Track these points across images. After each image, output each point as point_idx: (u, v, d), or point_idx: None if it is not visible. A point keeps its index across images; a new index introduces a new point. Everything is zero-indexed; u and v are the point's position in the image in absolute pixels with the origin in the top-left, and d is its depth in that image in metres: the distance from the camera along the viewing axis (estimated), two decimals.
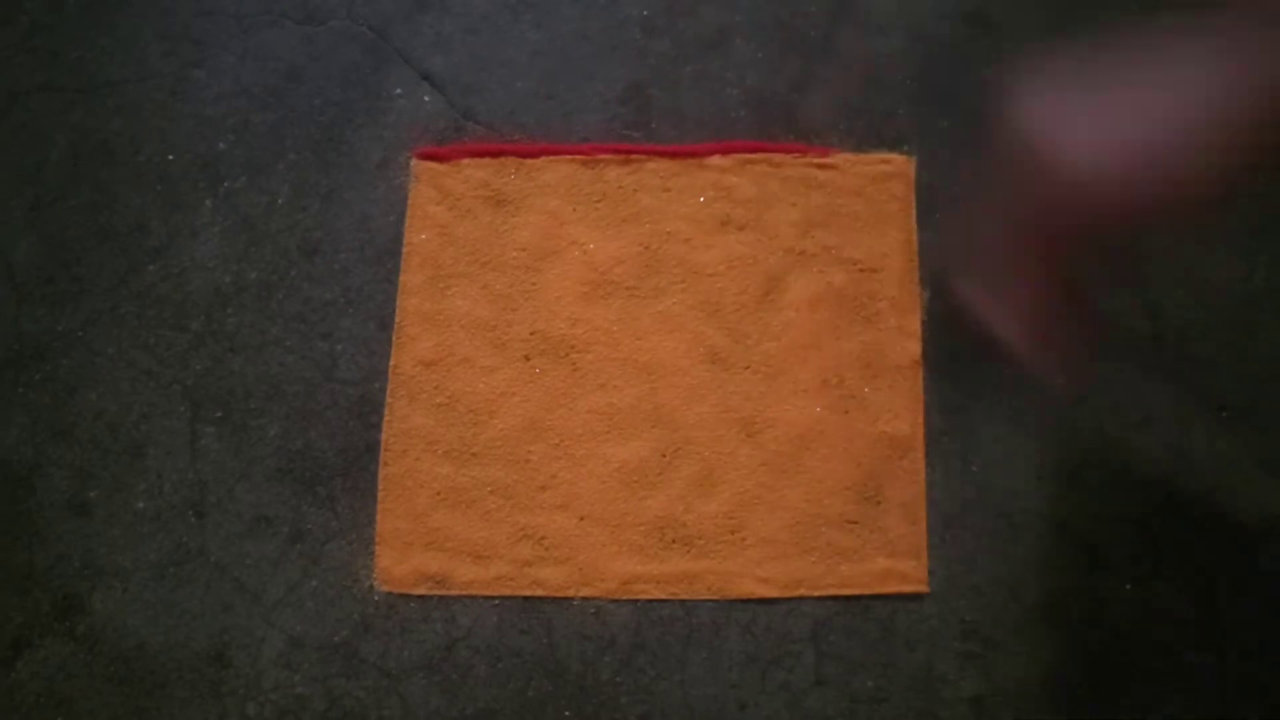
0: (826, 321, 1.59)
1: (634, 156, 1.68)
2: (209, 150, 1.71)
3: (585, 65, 1.74)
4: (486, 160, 1.68)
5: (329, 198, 1.68)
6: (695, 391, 1.57)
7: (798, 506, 1.52)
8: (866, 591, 1.49)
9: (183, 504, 1.55)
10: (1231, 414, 1.53)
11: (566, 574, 1.50)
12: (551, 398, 1.57)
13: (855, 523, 1.51)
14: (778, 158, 1.67)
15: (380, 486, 1.54)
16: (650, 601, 1.49)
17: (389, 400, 1.58)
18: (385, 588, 1.51)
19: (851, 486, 1.53)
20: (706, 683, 1.46)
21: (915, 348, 1.58)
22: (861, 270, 1.61)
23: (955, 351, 1.58)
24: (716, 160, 1.67)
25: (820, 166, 1.66)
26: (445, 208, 1.66)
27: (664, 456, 1.54)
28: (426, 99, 1.73)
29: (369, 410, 1.58)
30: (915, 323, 1.59)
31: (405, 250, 1.64)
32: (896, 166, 1.66)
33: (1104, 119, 0.94)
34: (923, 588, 1.48)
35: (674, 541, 1.51)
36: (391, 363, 1.59)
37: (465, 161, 1.68)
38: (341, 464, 1.56)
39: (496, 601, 1.50)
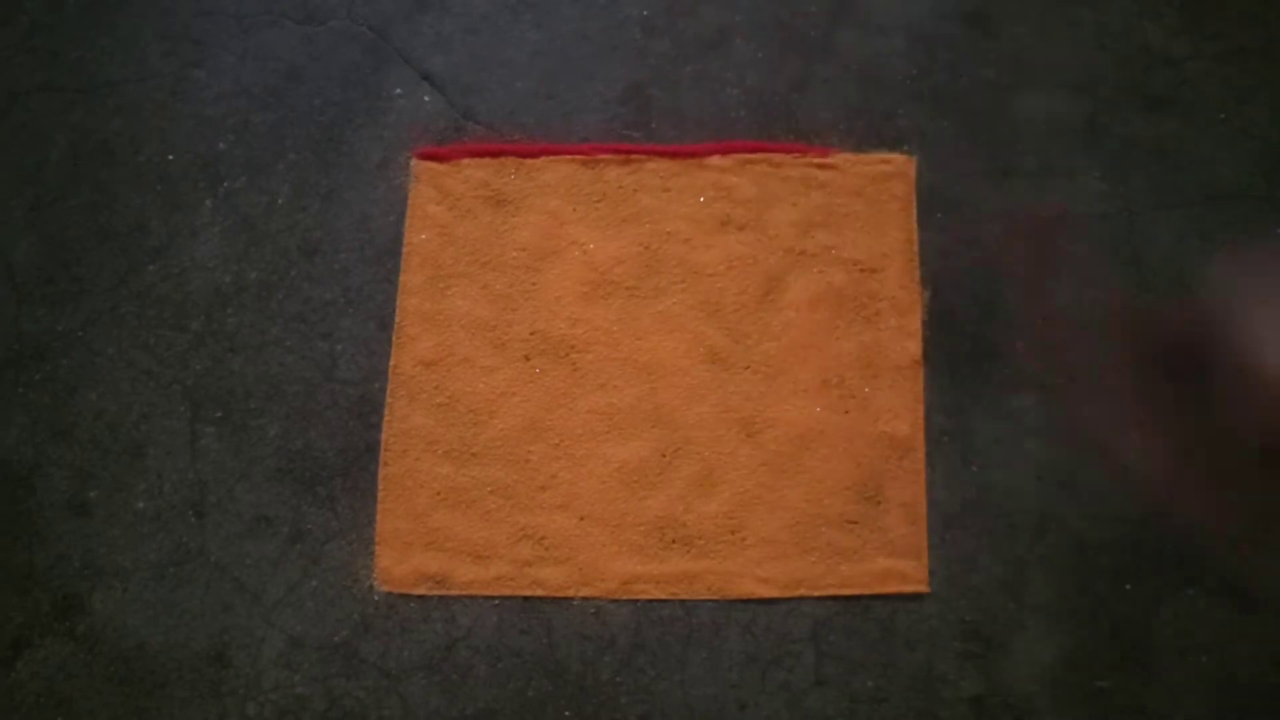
0: (826, 321, 1.59)
1: (634, 156, 1.68)
2: (209, 150, 1.71)
3: (585, 65, 1.74)
4: (486, 160, 1.68)
5: (329, 198, 1.68)
6: (695, 391, 1.57)
7: (798, 506, 1.52)
8: (866, 591, 1.49)
9: (183, 504, 1.55)
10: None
11: (566, 574, 1.50)
12: (551, 398, 1.57)
13: (855, 523, 1.51)
14: (778, 158, 1.67)
15: (380, 486, 1.54)
16: (650, 601, 1.49)
17: (389, 400, 1.58)
18: (385, 588, 1.51)
19: (851, 486, 1.53)
20: (706, 683, 1.46)
21: (915, 348, 1.58)
22: (861, 270, 1.61)
23: (955, 351, 1.58)
24: (716, 160, 1.67)
25: (820, 166, 1.66)
26: (445, 208, 1.66)
27: (664, 456, 1.54)
28: (426, 99, 1.73)
29: (369, 410, 1.58)
30: (915, 323, 1.59)
31: (405, 250, 1.64)
32: (896, 166, 1.66)
33: None
34: (923, 588, 1.48)
35: (674, 541, 1.51)
36: (391, 363, 1.59)
37: (465, 161, 1.68)
38: (341, 464, 1.56)
39: (496, 601, 1.50)
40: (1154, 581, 1.47)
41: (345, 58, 1.75)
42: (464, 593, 1.50)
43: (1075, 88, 1.69)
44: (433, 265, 1.63)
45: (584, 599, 1.50)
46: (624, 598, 1.49)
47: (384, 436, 1.56)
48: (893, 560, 1.49)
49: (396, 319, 1.61)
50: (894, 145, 1.67)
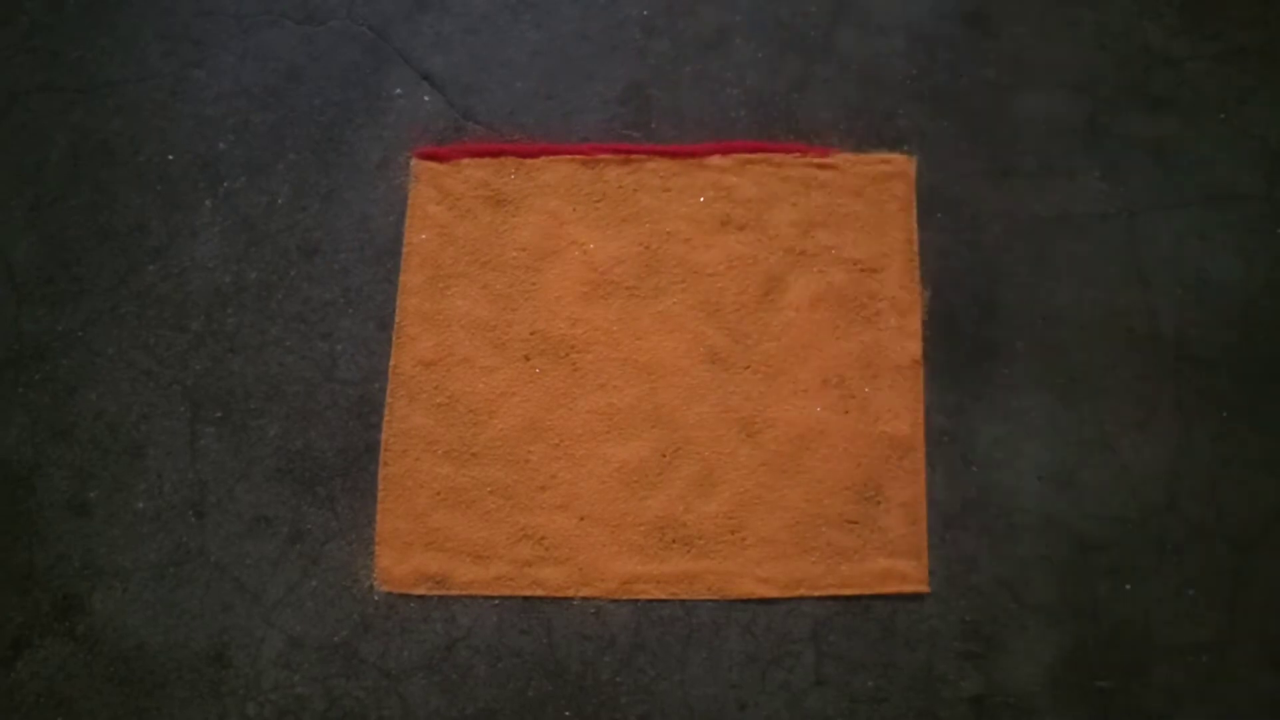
0: (826, 321, 1.59)
1: (634, 156, 1.68)
2: (209, 150, 1.71)
3: (585, 65, 1.74)
4: (486, 160, 1.68)
5: (329, 198, 1.68)
6: (695, 391, 1.57)
7: (798, 506, 1.52)
8: (866, 591, 1.49)
9: (183, 504, 1.55)
10: (1231, 414, 1.53)
11: (566, 574, 1.50)
12: (551, 398, 1.57)
13: (855, 523, 1.51)
14: (778, 158, 1.67)
15: (380, 486, 1.54)
16: (650, 601, 1.49)
17: (389, 400, 1.58)
18: (385, 588, 1.51)
19: (851, 486, 1.53)
20: (706, 683, 1.46)
21: (915, 348, 1.58)
22: (861, 270, 1.61)
23: (955, 351, 1.58)
24: (716, 160, 1.67)
25: (820, 166, 1.66)
26: (445, 208, 1.66)
27: (664, 456, 1.54)
28: (426, 99, 1.73)
29: (369, 410, 1.58)
30: (915, 323, 1.59)
31: (405, 250, 1.64)
32: (896, 166, 1.66)
33: None
34: (923, 588, 1.48)
35: (674, 541, 1.51)
36: (391, 363, 1.59)
37: (465, 161, 1.68)
38: (341, 464, 1.56)
39: (496, 601, 1.50)
40: (1154, 581, 1.47)
41: (345, 58, 1.75)
42: (464, 593, 1.50)
43: (1075, 88, 1.69)
44: (433, 265, 1.63)
45: (584, 599, 1.50)
46: (624, 598, 1.49)
47: (384, 436, 1.56)
48: (893, 560, 1.49)
49: (396, 319, 1.61)
50: (894, 145, 1.67)
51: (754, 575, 1.49)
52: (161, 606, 1.51)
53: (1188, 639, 1.45)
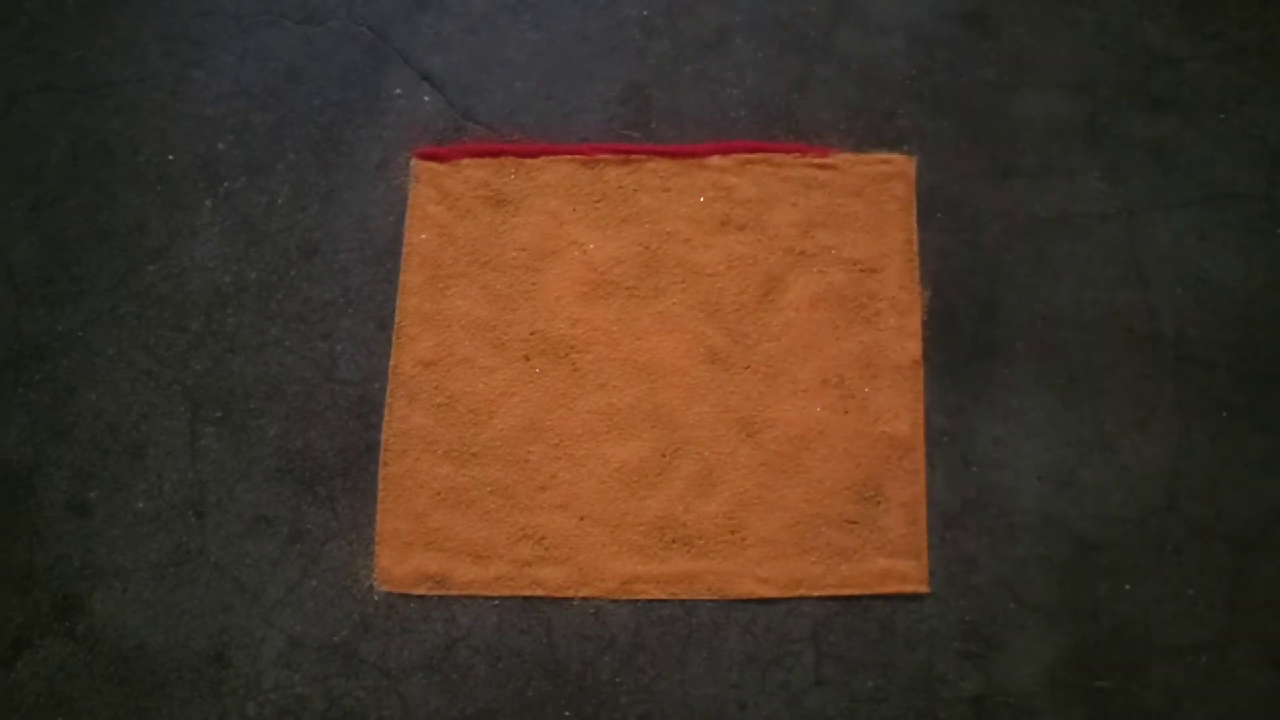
0: (826, 321, 1.59)
1: (634, 156, 1.68)
2: (209, 150, 1.71)
3: (585, 65, 1.74)
4: (486, 160, 1.68)
5: (329, 198, 1.68)
6: (695, 391, 1.57)
7: (797, 506, 1.52)
8: (866, 591, 1.49)
9: (183, 504, 1.55)
10: (1231, 414, 1.53)
11: (566, 574, 1.50)
12: (551, 398, 1.57)
13: (855, 523, 1.51)
14: (778, 158, 1.67)
15: (380, 486, 1.54)
16: (650, 601, 1.49)
17: (389, 400, 1.58)
18: (385, 588, 1.51)
19: (851, 486, 1.53)
20: (706, 683, 1.46)
21: (915, 348, 1.58)
22: (861, 270, 1.61)
23: (955, 351, 1.58)
24: (716, 160, 1.67)
25: (820, 166, 1.66)
26: (445, 208, 1.66)
27: (664, 456, 1.55)
28: (426, 99, 1.73)
29: (369, 410, 1.58)
30: (915, 323, 1.59)
31: (405, 250, 1.64)
32: (896, 166, 1.66)
33: None
34: (923, 588, 1.48)
35: (674, 541, 1.51)
36: (391, 363, 1.59)
37: (465, 161, 1.68)
38: (341, 464, 1.56)
39: (496, 601, 1.50)
40: (1154, 581, 1.47)
41: (345, 58, 1.75)
42: (464, 593, 1.50)
43: (1075, 88, 1.69)
44: (432, 265, 1.63)
45: (584, 599, 1.50)
46: (624, 598, 1.49)
47: (384, 436, 1.56)
48: (892, 560, 1.49)
49: (396, 319, 1.61)
50: (894, 145, 1.67)
51: (754, 575, 1.49)
52: (161, 606, 1.51)
53: (1188, 639, 1.45)
